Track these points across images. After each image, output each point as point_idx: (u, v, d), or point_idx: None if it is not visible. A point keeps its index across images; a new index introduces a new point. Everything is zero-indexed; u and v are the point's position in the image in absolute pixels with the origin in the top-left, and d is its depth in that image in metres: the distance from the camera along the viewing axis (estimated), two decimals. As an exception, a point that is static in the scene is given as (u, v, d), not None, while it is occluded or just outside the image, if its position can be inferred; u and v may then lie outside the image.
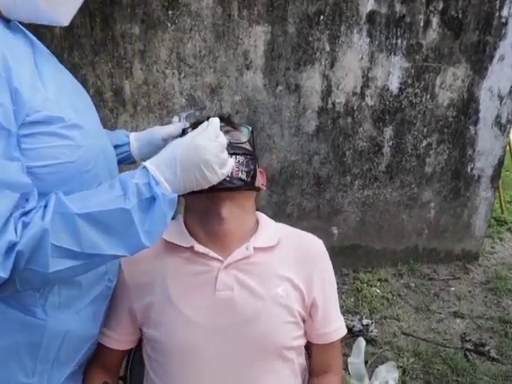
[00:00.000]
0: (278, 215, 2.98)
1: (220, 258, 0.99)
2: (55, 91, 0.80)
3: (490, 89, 2.89)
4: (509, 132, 3.13)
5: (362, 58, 2.68)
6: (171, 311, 0.98)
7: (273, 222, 1.11)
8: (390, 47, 2.68)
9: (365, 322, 2.62)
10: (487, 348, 2.50)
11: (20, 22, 0.86)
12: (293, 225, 3.08)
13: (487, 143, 3.06)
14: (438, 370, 2.36)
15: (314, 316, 1.05)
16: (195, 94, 2.59)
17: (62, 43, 2.29)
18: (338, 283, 1.14)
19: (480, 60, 2.81)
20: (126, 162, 1.23)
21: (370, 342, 2.51)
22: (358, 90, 2.77)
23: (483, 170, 3.15)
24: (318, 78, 2.70)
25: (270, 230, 1.07)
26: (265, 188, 1.10)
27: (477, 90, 2.89)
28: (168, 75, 2.52)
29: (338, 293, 1.14)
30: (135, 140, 1.20)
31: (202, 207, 0.99)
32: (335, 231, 3.14)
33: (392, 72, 2.75)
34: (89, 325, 0.95)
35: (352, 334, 2.52)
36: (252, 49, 2.56)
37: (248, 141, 1.04)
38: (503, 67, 2.86)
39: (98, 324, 0.98)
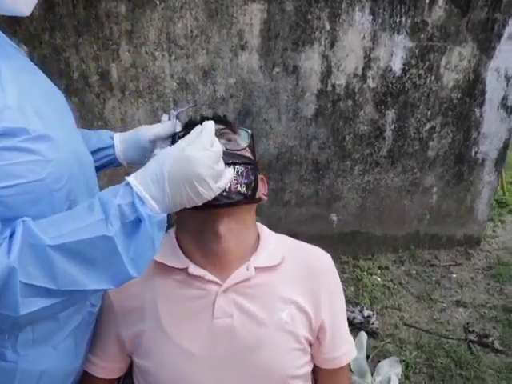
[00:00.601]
0: (276, 202, 2.87)
1: (218, 280, 0.87)
2: (17, 96, 0.66)
3: (497, 69, 2.75)
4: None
5: (363, 37, 2.53)
6: (164, 341, 0.87)
7: (274, 234, 1.00)
8: (393, 26, 2.52)
9: (366, 313, 2.54)
10: (491, 339, 2.44)
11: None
12: (291, 212, 3.00)
13: (492, 126, 2.94)
14: (441, 363, 2.30)
15: (322, 340, 0.95)
16: (187, 77, 2.44)
17: (43, 24, 2.11)
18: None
19: (488, 39, 2.66)
20: (112, 165, 1.10)
21: (371, 334, 2.43)
22: (360, 72, 2.62)
23: (487, 154, 3.04)
24: (317, 59, 2.55)
25: (272, 245, 0.95)
26: (266, 198, 0.97)
27: (483, 71, 2.75)
28: (157, 57, 2.36)
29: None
30: (120, 142, 1.06)
31: (196, 224, 0.87)
32: (334, 218, 3.04)
33: (395, 52, 2.60)
34: (70, 359, 0.84)
35: (353, 326, 2.44)
36: (247, 28, 2.40)
37: (248, 146, 0.91)
38: (512, 46, 2.72)
39: (80, 356, 0.87)
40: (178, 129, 1.01)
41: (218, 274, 0.88)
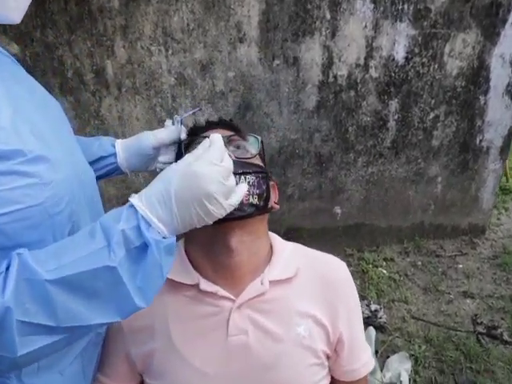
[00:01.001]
0: (278, 197, 2.81)
1: (231, 296, 0.83)
2: (11, 114, 0.61)
3: (502, 55, 2.68)
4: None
5: (365, 26, 2.46)
6: (177, 362, 0.83)
7: (288, 244, 0.95)
8: (395, 13, 2.45)
9: (373, 307, 2.51)
10: (499, 331, 2.41)
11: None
12: (294, 206, 2.94)
13: (497, 113, 2.88)
14: (450, 356, 2.27)
15: (341, 352, 0.91)
16: (184, 72, 2.38)
17: (34, 21, 2.04)
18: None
19: (492, 24, 2.59)
20: (114, 173, 1.05)
21: (379, 328, 2.41)
22: (362, 62, 2.56)
23: (492, 142, 2.98)
24: (318, 50, 2.48)
25: (286, 256, 0.90)
26: (278, 206, 0.93)
27: (488, 58, 2.68)
28: (154, 52, 2.29)
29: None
30: (122, 149, 1.01)
31: (206, 237, 0.82)
32: (338, 211, 2.99)
33: (398, 40, 2.53)
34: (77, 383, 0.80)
35: (360, 321, 2.41)
36: (245, 20, 2.33)
37: (258, 153, 0.86)
38: (516, 31, 2.65)
39: (88, 380, 0.83)
40: (183, 135, 0.96)
41: (231, 289, 0.84)
